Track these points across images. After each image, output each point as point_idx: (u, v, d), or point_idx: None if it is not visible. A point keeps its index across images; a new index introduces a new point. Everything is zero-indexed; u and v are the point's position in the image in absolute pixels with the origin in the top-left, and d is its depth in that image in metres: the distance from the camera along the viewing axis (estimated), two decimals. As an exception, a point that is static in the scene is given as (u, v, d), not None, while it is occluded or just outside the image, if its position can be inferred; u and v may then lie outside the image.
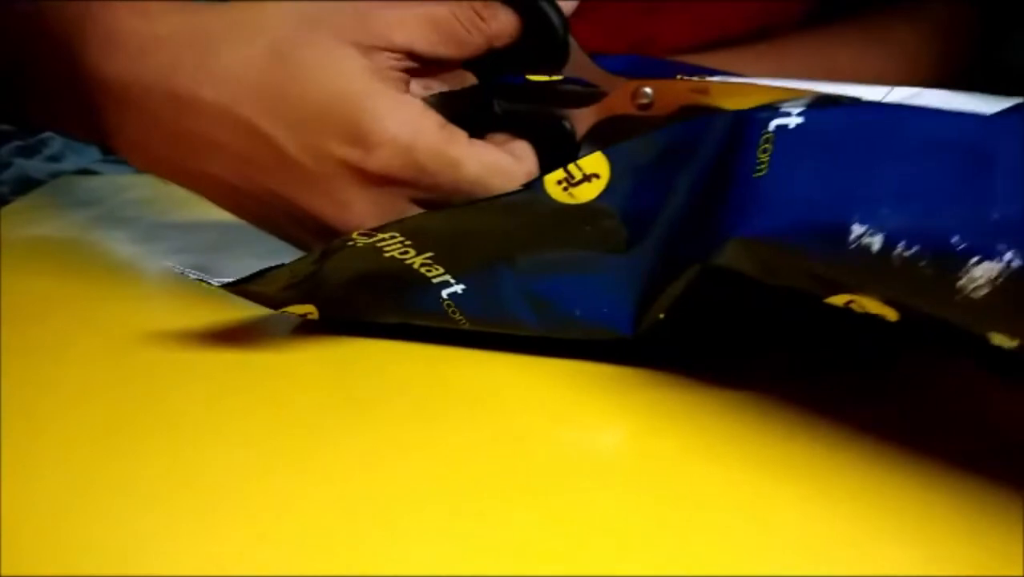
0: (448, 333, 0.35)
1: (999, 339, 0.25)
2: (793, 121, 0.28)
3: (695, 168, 0.30)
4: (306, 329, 0.37)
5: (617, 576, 0.24)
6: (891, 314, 0.27)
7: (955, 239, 0.24)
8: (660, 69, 0.42)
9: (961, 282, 0.24)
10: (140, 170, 0.39)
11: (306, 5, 0.35)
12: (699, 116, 0.32)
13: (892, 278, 0.26)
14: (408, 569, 0.24)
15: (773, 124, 0.28)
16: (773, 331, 0.35)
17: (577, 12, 0.37)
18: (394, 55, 0.35)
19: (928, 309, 0.25)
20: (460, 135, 0.35)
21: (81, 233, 0.50)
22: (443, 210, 0.34)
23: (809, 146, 0.27)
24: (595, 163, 0.31)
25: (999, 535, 0.24)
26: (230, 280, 0.34)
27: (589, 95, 0.37)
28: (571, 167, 0.32)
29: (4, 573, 0.25)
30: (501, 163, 0.35)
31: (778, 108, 0.28)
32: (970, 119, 0.26)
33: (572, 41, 0.37)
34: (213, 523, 0.27)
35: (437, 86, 0.40)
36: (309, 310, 0.36)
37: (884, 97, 0.36)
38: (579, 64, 0.37)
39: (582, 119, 0.37)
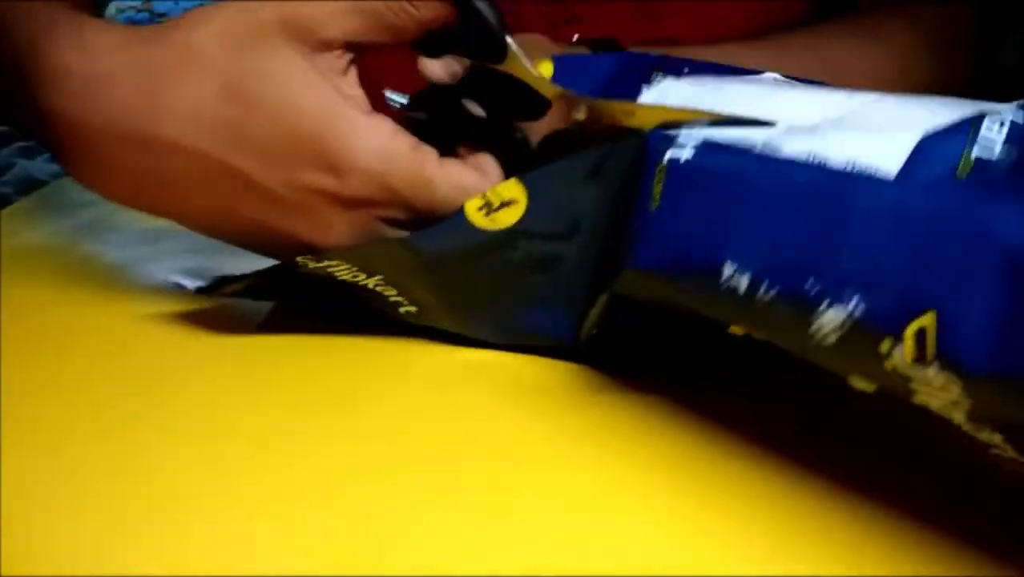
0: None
1: (859, 382, 0.25)
2: (684, 155, 0.28)
3: (608, 192, 0.31)
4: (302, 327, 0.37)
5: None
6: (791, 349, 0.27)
7: (808, 283, 0.25)
8: (646, 62, 0.43)
9: (813, 327, 0.25)
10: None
11: (225, 19, 0.34)
12: (612, 139, 0.33)
13: (759, 318, 0.27)
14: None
15: (667, 157, 0.29)
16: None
17: (579, 17, 0.37)
18: (334, 53, 0.35)
19: (792, 350, 0.26)
20: (431, 156, 0.35)
21: (84, 234, 0.50)
22: (379, 244, 0.35)
23: (695, 184, 0.28)
24: (511, 189, 0.32)
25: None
26: (203, 285, 0.36)
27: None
28: (489, 193, 0.32)
29: (4, 573, 0.25)
30: (469, 181, 0.35)
31: (674, 138, 0.29)
32: (832, 171, 0.26)
33: (517, 50, 0.36)
34: (211, 520, 0.27)
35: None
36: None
37: (845, 101, 0.37)
38: (523, 73, 0.37)
39: (532, 130, 0.37)
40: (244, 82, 0.33)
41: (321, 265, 0.34)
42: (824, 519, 0.26)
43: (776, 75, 0.48)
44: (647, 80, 0.43)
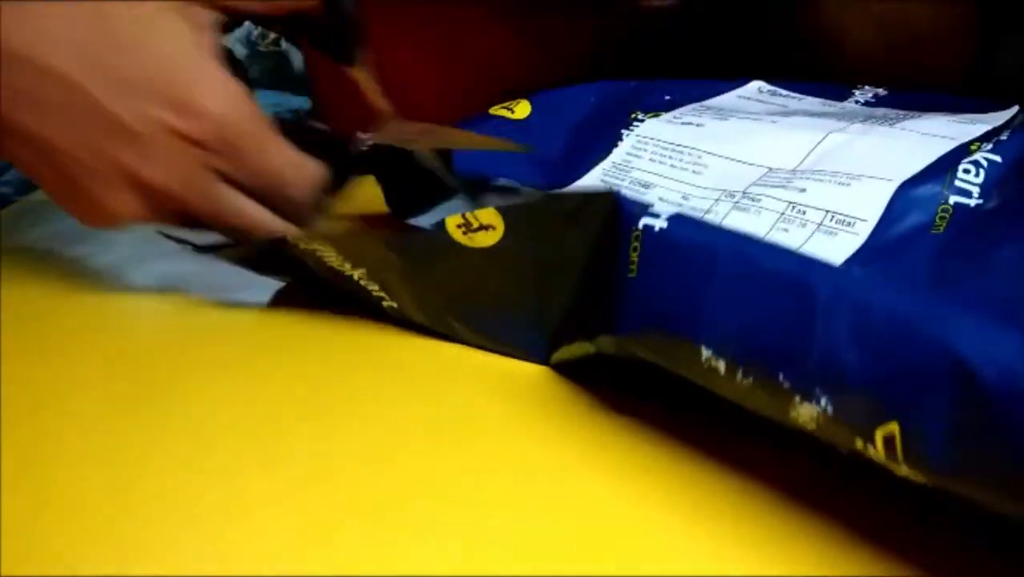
0: None
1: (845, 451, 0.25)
2: (659, 224, 0.28)
3: (586, 239, 0.31)
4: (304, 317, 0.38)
5: None
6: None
7: (781, 376, 0.25)
8: (625, 94, 0.46)
9: (793, 413, 0.25)
10: None
11: None
12: (581, 192, 0.34)
13: (743, 396, 0.27)
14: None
15: (642, 223, 0.28)
16: None
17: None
18: (205, 9, 0.37)
19: (781, 422, 0.26)
20: (270, 126, 0.37)
21: (84, 234, 0.50)
22: (364, 236, 0.36)
23: (669, 256, 0.28)
24: (490, 216, 0.33)
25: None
26: (207, 244, 0.38)
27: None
28: (468, 215, 0.33)
29: (4, 573, 0.25)
30: (298, 160, 0.37)
31: (649, 206, 0.29)
32: (800, 260, 0.26)
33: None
34: (211, 520, 0.27)
35: None
36: (287, 279, 0.40)
37: (815, 145, 0.37)
38: (365, 83, 0.40)
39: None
40: (116, 20, 0.35)
41: (311, 248, 0.36)
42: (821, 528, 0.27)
43: (761, 83, 0.48)
44: (626, 124, 0.43)
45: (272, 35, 0.76)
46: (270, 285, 0.40)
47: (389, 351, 0.36)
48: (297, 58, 0.74)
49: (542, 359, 0.35)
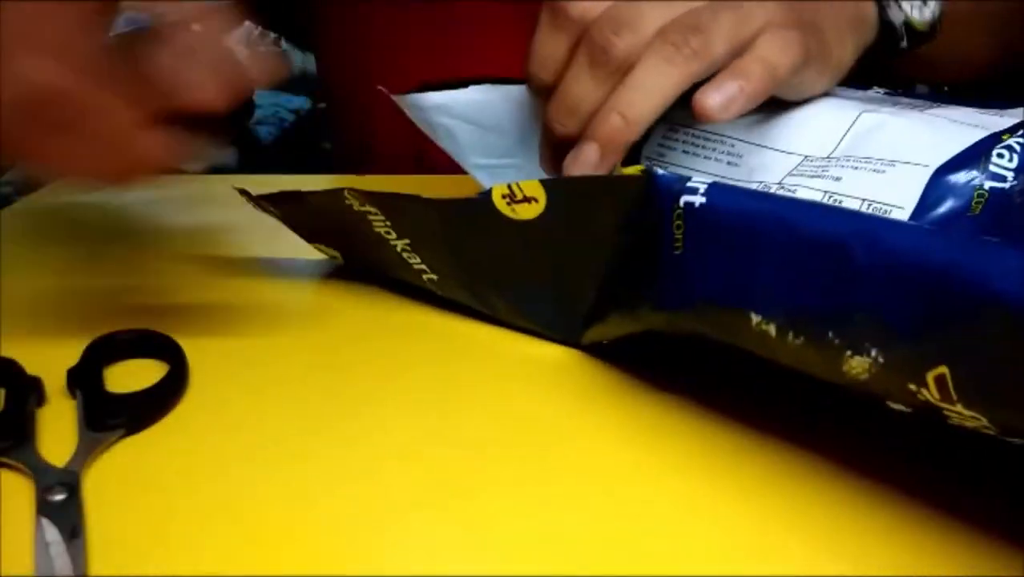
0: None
1: (896, 405, 0.26)
2: (698, 200, 0.29)
3: (622, 217, 0.32)
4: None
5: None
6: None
7: (830, 335, 0.26)
8: None
9: (844, 368, 0.26)
10: None
11: None
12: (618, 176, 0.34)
13: (795, 357, 0.27)
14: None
15: (683, 200, 0.29)
16: None
17: None
18: None
19: (831, 380, 0.27)
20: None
21: (83, 234, 0.50)
22: (411, 200, 0.36)
23: (712, 231, 0.29)
24: (533, 188, 0.33)
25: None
26: (266, 193, 0.39)
27: None
28: (513, 186, 0.34)
29: (4, 573, 0.25)
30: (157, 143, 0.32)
31: (686, 181, 0.29)
32: (836, 218, 0.27)
33: None
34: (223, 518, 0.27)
35: None
36: (334, 254, 0.42)
37: (849, 127, 0.37)
38: None
39: None
40: None
41: (364, 209, 0.36)
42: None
43: None
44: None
45: (272, 35, 0.76)
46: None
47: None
48: (297, 58, 0.74)
49: (575, 338, 0.36)
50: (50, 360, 0.33)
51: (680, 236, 0.29)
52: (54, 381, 0.33)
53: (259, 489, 0.28)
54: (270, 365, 0.35)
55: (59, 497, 0.27)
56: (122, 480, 0.28)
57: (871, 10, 0.43)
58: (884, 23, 0.43)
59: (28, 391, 0.32)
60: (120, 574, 0.25)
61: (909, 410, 0.26)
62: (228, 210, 0.51)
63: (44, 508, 0.27)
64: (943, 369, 0.23)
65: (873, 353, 0.25)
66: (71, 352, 0.34)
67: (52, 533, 0.26)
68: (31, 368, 0.33)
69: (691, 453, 0.30)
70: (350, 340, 0.37)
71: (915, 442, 0.30)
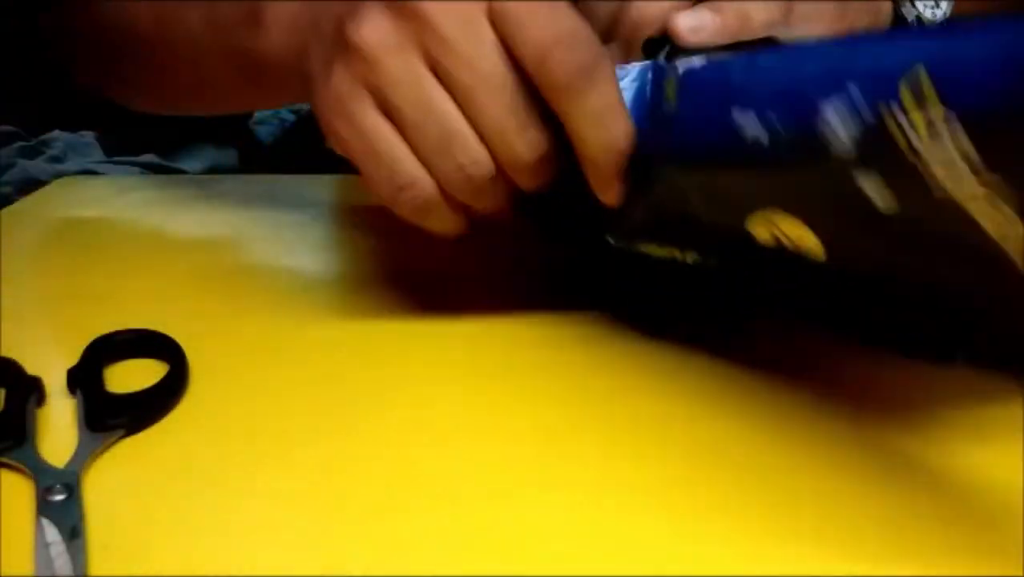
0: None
1: (885, 201, 0.25)
2: (698, 63, 0.31)
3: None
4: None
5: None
6: (817, 250, 0.29)
7: (809, 90, 0.26)
8: None
9: (830, 146, 0.25)
10: None
11: None
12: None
13: (784, 167, 0.28)
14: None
15: (681, 69, 0.31)
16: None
17: None
18: None
19: (820, 193, 0.27)
20: None
21: (83, 234, 0.50)
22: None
23: (709, 79, 0.30)
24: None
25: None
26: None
27: None
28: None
29: (4, 573, 0.25)
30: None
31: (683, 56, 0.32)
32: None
33: None
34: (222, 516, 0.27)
35: None
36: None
37: None
38: None
39: None
40: None
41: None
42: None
43: None
44: None
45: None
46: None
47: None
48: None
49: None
50: (50, 360, 0.33)
51: (672, 93, 0.31)
52: (54, 381, 0.33)
53: (259, 489, 0.28)
54: (270, 365, 0.35)
55: (59, 497, 0.27)
56: (122, 480, 0.28)
57: (887, 7, 0.44)
58: (897, 18, 0.44)
59: (28, 391, 0.32)
60: (120, 574, 0.25)
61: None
62: (228, 210, 0.51)
63: (44, 508, 0.27)
64: (919, 70, 0.23)
65: (850, 88, 0.25)
66: (71, 352, 0.34)
67: (52, 533, 0.26)
68: (31, 368, 0.33)
69: (691, 453, 0.30)
70: (350, 340, 0.37)
71: (914, 440, 0.30)
